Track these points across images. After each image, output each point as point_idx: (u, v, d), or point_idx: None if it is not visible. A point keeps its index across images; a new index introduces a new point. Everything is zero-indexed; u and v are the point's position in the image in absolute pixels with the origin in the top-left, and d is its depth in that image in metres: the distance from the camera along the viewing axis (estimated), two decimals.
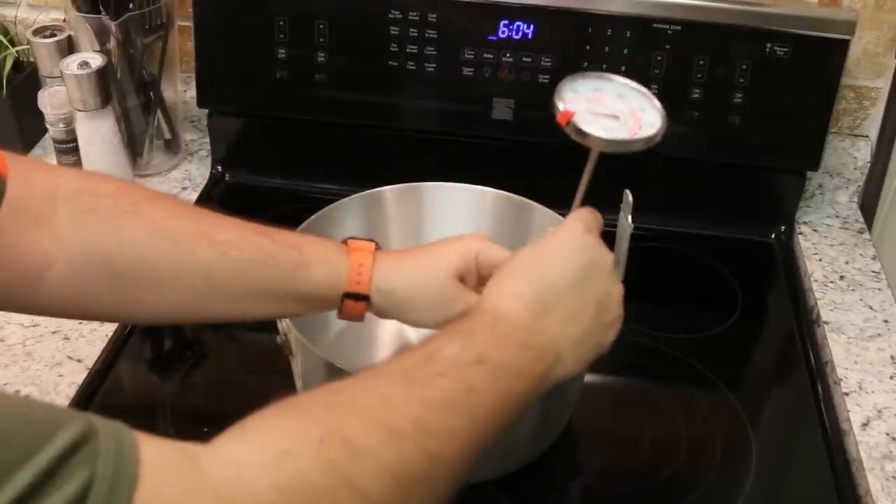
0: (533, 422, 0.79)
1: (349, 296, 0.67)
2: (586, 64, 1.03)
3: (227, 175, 1.18)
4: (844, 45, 1.00)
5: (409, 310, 0.68)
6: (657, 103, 0.68)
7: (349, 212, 0.89)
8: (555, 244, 0.65)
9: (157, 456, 0.41)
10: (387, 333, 0.94)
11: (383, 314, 0.69)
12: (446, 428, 0.52)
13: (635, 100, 0.69)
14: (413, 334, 0.94)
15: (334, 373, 0.73)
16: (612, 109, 0.67)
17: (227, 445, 0.46)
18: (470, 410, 0.54)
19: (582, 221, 0.66)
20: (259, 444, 0.46)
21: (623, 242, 0.74)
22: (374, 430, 0.49)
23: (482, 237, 0.69)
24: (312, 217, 0.85)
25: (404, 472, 0.49)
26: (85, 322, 0.93)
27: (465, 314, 0.62)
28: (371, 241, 0.69)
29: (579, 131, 0.65)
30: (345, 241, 0.69)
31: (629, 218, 0.72)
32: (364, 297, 0.67)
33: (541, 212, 0.88)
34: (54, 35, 1.12)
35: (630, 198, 0.71)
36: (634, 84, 0.69)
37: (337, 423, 0.48)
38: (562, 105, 0.66)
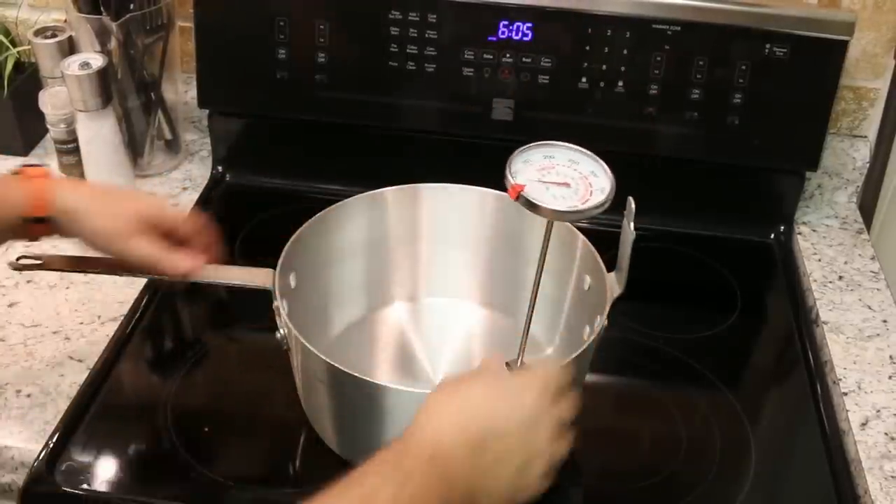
0: None
1: (32, 219, 0.75)
2: (585, 64, 1.04)
3: (227, 175, 1.18)
4: (843, 45, 1.00)
5: (91, 233, 0.77)
6: (607, 168, 0.69)
7: (350, 213, 0.89)
8: (513, 390, 0.65)
9: None
10: (388, 334, 0.95)
11: (65, 233, 0.77)
12: None
13: (587, 165, 0.69)
14: (414, 336, 0.94)
15: (333, 372, 0.73)
16: (563, 177, 0.68)
17: None
18: None
19: (544, 380, 0.66)
20: None
21: (626, 248, 0.75)
22: None
23: (164, 205, 0.81)
24: (313, 218, 0.85)
25: None
26: (86, 322, 0.94)
27: (407, 435, 0.62)
28: (42, 165, 0.81)
29: (530, 203, 0.66)
30: (16, 172, 0.77)
31: (631, 225, 0.72)
32: (46, 220, 0.76)
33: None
34: (55, 36, 1.12)
35: (633, 205, 0.72)
36: (584, 150, 0.70)
37: None
38: (512, 178, 0.67)
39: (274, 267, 0.80)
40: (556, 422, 0.66)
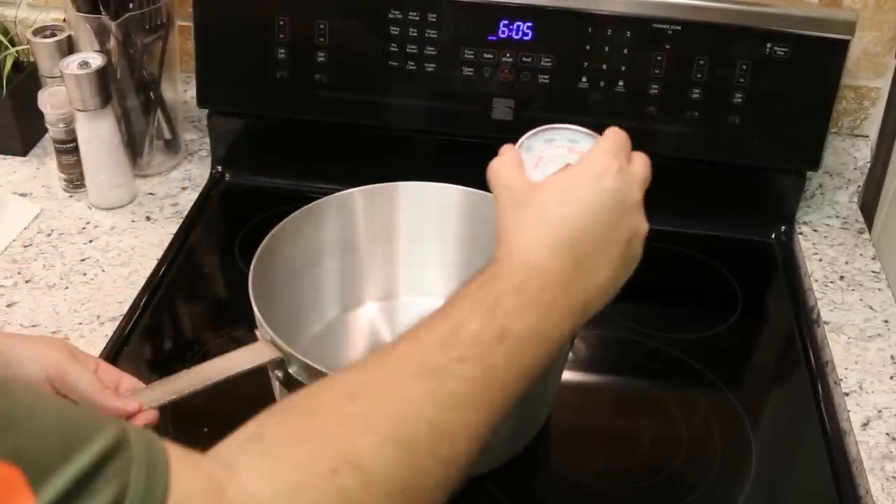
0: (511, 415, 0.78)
1: None
2: (585, 64, 1.03)
3: (227, 175, 1.18)
4: (844, 45, 1.00)
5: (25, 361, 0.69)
6: (584, 129, 0.66)
7: (324, 213, 0.89)
8: (580, 183, 0.59)
9: (186, 479, 0.42)
10: (365, 333, 0.95)
11: None
12: (461, 425, 0.50)
13: (560, 136, 0.67)
14: (390, 335, 0.94)
15: (311, 372, 0.73)
16: (561, 159, 0.65)
17: (247, 473, 0.46)
18: (489, 398, 0.51)
19: (605, 152, 0.60)
20: (275, 477, 0.46)
21: None
22: (387, 450, 0.48)
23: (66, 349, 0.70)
24: (286, 220, 0.85)
25: (416, 484, 0.49)
26: (85, 322, 0.93)
27: (491, 264, 0.57)
28: None
29: None
30: None
31: None
32: None
33: None
34: (54, 35, 1.12)
35: None
36: (557, 125, 0.67)
37: (350, 446, 0.48)
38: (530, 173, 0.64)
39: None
40: (634, 194, 0.61)
